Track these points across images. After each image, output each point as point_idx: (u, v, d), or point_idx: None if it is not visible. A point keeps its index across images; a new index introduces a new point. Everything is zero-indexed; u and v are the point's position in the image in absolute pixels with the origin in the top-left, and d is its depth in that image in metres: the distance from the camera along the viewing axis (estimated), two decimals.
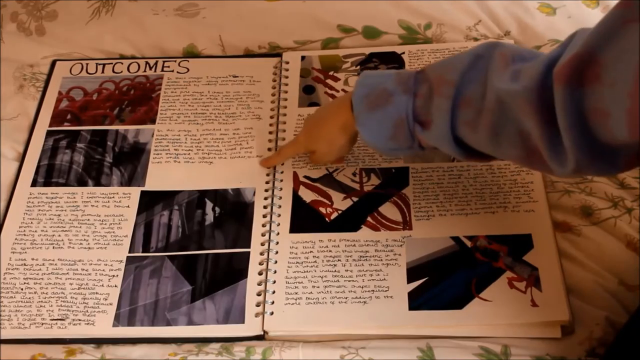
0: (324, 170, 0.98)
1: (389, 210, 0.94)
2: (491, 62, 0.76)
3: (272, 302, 0.87)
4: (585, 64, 0.63)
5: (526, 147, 0.73)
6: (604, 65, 0.62)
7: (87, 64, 1.12)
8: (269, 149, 1.01)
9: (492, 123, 0.74)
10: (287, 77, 1.08)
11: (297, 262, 0.90)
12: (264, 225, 0.94)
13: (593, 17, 1.10)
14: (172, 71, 1.10)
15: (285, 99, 1.06)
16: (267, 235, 0.93)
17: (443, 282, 0.87)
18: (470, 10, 1.12)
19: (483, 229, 0.91)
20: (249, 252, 0.92)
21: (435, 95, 0.78)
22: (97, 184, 0.99)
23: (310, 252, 0.91)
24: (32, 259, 0.93)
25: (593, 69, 0.63)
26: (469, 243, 0.90)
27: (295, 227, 0.93)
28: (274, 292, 0.88)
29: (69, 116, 1.07)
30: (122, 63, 1.12)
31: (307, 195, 0.96)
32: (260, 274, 0.90)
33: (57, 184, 1.00)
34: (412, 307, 0.86)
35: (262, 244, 0.92)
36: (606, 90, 0.62)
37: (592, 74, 0.63)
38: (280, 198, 0.96)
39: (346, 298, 0.87)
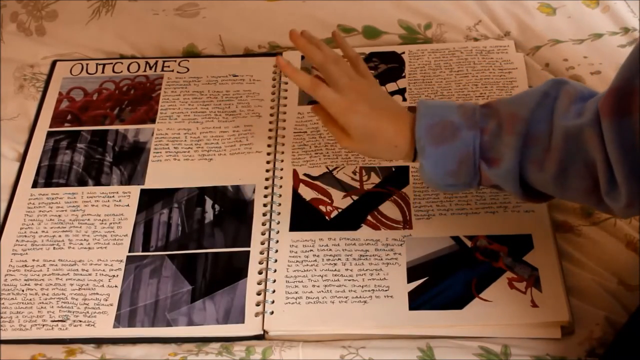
0: (324, 168, 0.98)
1: (389, 209, 0.94)
2: (558, 100, 0.76)
3: (272, 302, 0.87)
4: (625, 94, 0.64)
5: (593, 178, 0.72)
6: None
7: (87, 64, 1.12)
8: (269, 146, 1.02)
9: (560, 160, 0.74)
10: (287, 76, 1.08)
11: (297, 261, 0.90)
12: (263, 224, 0.94)
13: (593, 17, 1.11)
14: (172, 71, 1.10)
15: (285, 97, 1.06)
16: (267, 234, 0.93)
17: (443, 282, 0.87)
18: (470, 10, 1.12)
19: (483, 228, 0.91)
20: (248, 252, 0.92)
21: (505, 133, 0.77)
22: (97, 183, 0.99)
23: (310, 250, 0.91)
24: (33, 260, 0.93)
25: (634, 98, 0.63)
26: (469, 243, 0.90)
27: (295, 226, 0.93)
28: (274, 291, 0.88)
29: (69, 117, 1.07)
30: (122, 63, 1.12)
31: (307, 193, 0.96)
32: (260, 273, 0.90)
33: (58, 185, 0.99)
34: (412, 306, 0.86)
35: (262, 243, 0.92)
36: None
37: (634, 103, 0.63)
38: (280, 196, 0.96)
39: (346, 297, 0.87)
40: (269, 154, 1.01)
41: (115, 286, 0.90)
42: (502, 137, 0.77)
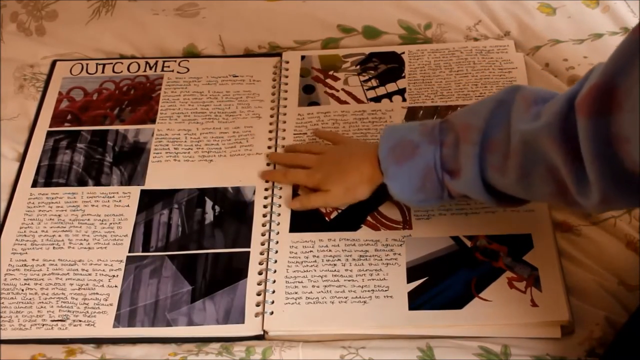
0: None
1: (388, 209, 0.94)
2: (513, 105, 0.77)
3: (272, 302, 0.87)
4: (605, 92, 0.64)
5: (557, 182, 0.73)
6: (623, 92, 0.62)
7: (87, 64, 1.12)
8: (269, 147, 1.02)
9: (520, 165, 0.75)
10: (287, 77, 1.08)
11: (297, 262, 0.90)
12: (263, 225, 0.94)
13: (593, 17, 1.10)
14: (172, 71, 1.10)
15: (285, 99, 1.06)
16: (267, 234, 0.93)
17: (443, 282, 0.87)
18: (470, 10, 1.12)
19: (483, 228, 0.91)
20: (248, 252, 0.92)
21: (462, 143, 0.79)
22: (97, 183, 0.99)
23: (310, 251, 0.91)
24: (33, 260, 0.93)
25: (614, 97, 0.63)
26: (469, 243, 0.90)
27: (295, 227, 0.93)
28: (273, 291, 0.88)
29: (69, 116, 1.07)
30: (122, 63, 1.12)
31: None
32: (260, 273, 0.90)
33: (58, 184, 0.99)
34: (412, 307, 0.85)
35: (262, 244, 0.92)
36: (626, 116, 0.62)
37: (614, 102, 0.63)
38: (280, 197, 0.96)
39: (346, 298, 0.87)
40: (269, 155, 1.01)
41: (115, 286, 0.90)
42: (460, 147, 0.79)
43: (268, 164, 1.00)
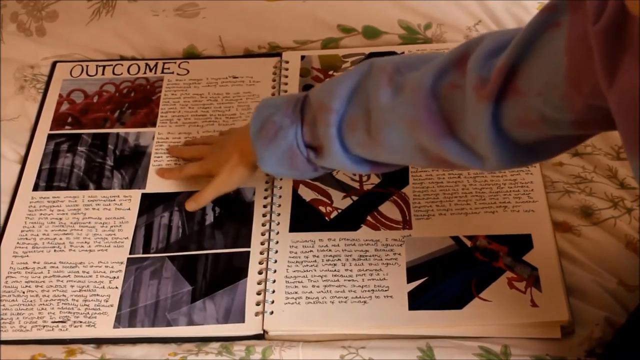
0: None
1: (388, 209, 0.94)
2: (371, 79, 0.76)
3: (272, 302, 0.87)
4: (508, 77, 0.63)
5: (428, 158, 0.73)
6: (526, 76, 0.62)
7: (87, 66, 1.12)
8: None
9: (385, 142, 0.74)
10: (286, 77, 1.08)
11: (296, 262, 0.90)
12: (263, 225, 0.94)
13: None
14: (172, 73, 1.10)
15: None
16: (267, 234, 0.93)
17: (443, 282, 0.87)
18: (470, 10, 1.12)
19: (483, 228, 0.91)
20: (248, 252, 0.92)
21: (319, 123, 0.79)
22: (98, 187, 0.99)
23: (310, 251, 0.91)
24: (34, 262, 0.93)
25: (515, 82, 0.62)
26: (468, 243, 0.90)
27: (295, 226, 0.94)
28: (273, 291, 0.88)
29: (69, 119, 1.07)
30: (122, 65, 1.12)
31: (306, 194, 0.96)
32: (260, 273, 0.90)
33: (59, 188, 0.99)
34: (412, 307, 0.86)
35: (262, 244, 0.93)
36: (533, 99, 0.61)
37: (513, 87, 0.63)
38: (280, 197, 0.96)
39: (346, 298, 0.87)
40: None
41: (116, 287, 0.90)
42: (318, 127, 0.79)
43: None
